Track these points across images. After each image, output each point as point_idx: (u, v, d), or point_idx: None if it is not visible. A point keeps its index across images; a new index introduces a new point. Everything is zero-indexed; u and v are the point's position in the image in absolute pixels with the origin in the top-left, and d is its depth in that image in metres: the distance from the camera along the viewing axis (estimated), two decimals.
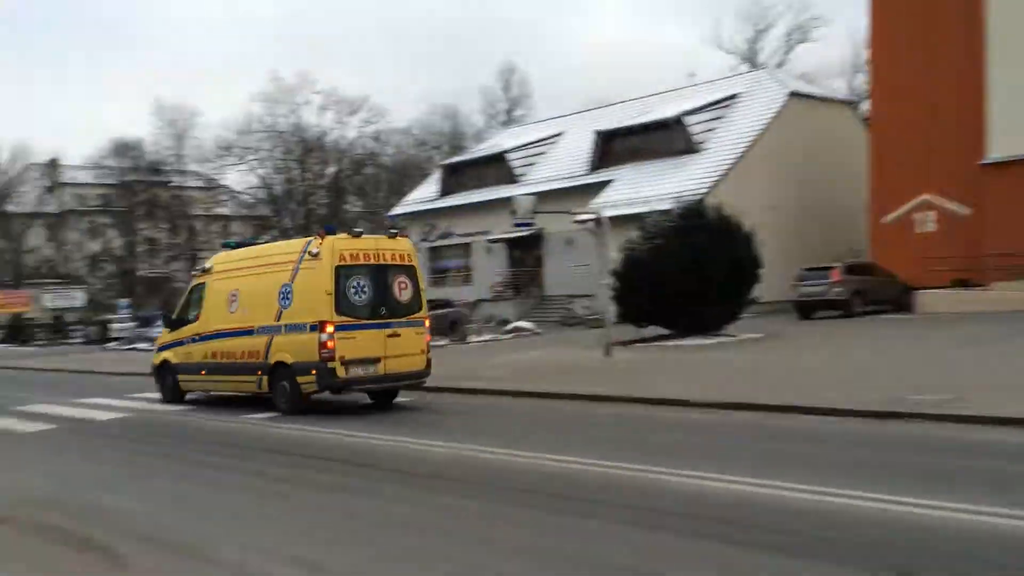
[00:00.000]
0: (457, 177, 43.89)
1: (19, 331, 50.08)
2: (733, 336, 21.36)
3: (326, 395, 13.50)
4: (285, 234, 58.69)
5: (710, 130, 34.96)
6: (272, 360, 13.32)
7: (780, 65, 54.64)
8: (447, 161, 48.43)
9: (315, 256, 12.91)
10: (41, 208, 68.73)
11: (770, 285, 23.69)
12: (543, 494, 7.32)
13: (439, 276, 42.32)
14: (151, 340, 34.46)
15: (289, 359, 13.03)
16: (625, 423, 11.11)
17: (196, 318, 15.26)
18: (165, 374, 15.98)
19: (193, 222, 62.39)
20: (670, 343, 21.05)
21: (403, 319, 13.38)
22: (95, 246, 68.23)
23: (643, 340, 21.64)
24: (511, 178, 40.30)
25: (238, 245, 16.31)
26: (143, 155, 63.56)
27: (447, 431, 10.88)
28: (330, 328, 12.51)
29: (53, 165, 71.27)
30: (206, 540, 6.51)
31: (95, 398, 16.91)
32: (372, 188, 66.65)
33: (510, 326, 29.25)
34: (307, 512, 7.36)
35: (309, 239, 13.58)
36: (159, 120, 60.61)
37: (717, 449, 8.99)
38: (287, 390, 13.17)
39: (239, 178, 60.45)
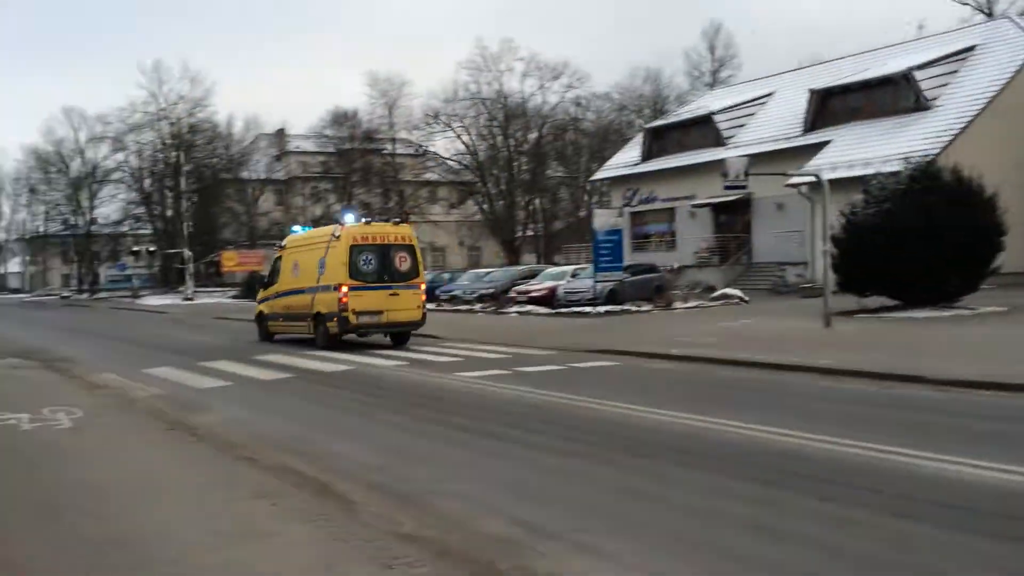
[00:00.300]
0: (660, 141, 42.86)
1: (253, 288, 54.72)
2: (972, 309, 19.40)
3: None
4: (489, 198, 60.19)
5: (943, 85, 31.74)
6: (314, 311, 18.86)
7: None
8: (651, 124, 47.40)
9: (337, 238, 18.24)
10: (271, 175, 74.50)
11: (1014, 254, 21.28)
12: (773, 470, 6.89)
13: (641, 241, 41.69)
14: None
15: (324, 310, 18.52)
16: (854, 398, 10.31)
17: (276, 281, 21.07)
18: (261, 321, 21.70)
19: (403, 187, 65.24)
20: (898, 314, 19.44)
21: (401, 283, 18.44)
22: (317, 210, 73.16)
23: (866, 311, 20.15)
24: (717, 141, 38.79)
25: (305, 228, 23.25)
26: (358, 124, 67.08)
27: (659, 398, 10.57)
28: (345, 288, 17.85)
29: (280, 135, 76.93)
30: (428, 492, 6.70)
31: (321, 350, 18.04)
32: (573, 153, 66.66)
33: (717, 293, 28.28)
34: (515, 468, 7.42)
35: (335, 226, 18.98)
36: (372, 91, 63.51)
37: (967, 432, 8.10)
38: (322, 332, 18.66)
39: (445, 145, 62.41)
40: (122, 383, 14.16)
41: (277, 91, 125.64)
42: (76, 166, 76.95)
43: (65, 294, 75.81)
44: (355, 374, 14.26)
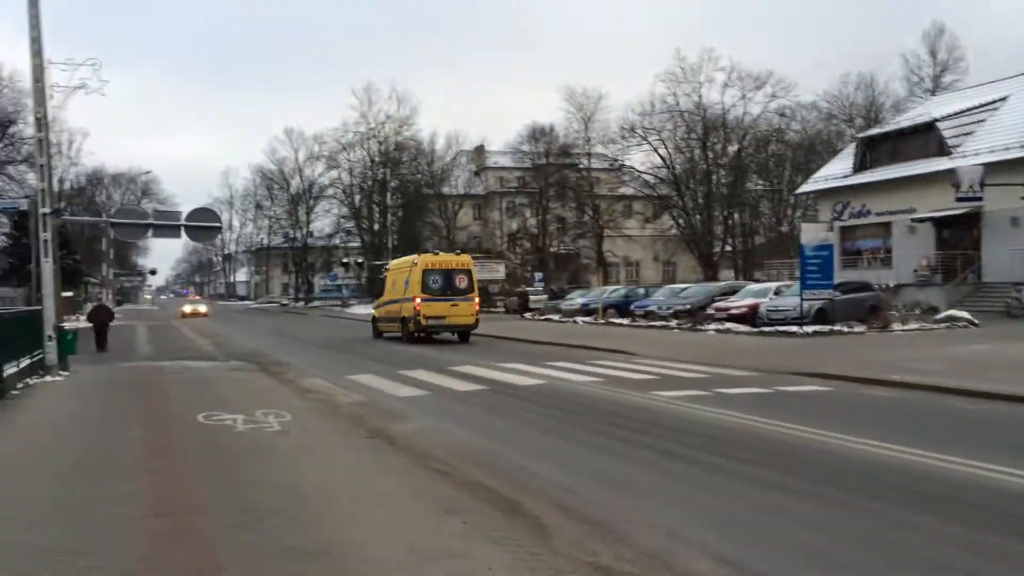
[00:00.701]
0: (875, 151, 39.87)
1: None
2: None
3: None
4: (686, 212, 58.69)
5: None
6: (401, 316, 26.05)
7: None
8: (865, 134, 44.28)
9: (415, 265, 25.66)
10: (469, 190, 76.90)
11: None
12: (1008, 516, 5.84)
13: (852, 257, 38.93)
14: (561, 312, 36.76)
15: (407, 315, 25.54)
16: None
17: (382, 294, 28.66)
18: (375, 322, 29.36)
19: (598, 202, 65.05)
20: None
21: (460, 296, 25.39)
22: (513, 224, 74.56)
23: None
24: (941, 150, 35.50)
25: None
26: (555, 139, 67.76)
27: (881, 429, 9.48)
28: (418, 300, 24.93)
29: (479, 152, 79.32)
30: (626, 520, 6.28)
31: (515, 363, 18.04)
32: (775, 166, 63.80)
33: (942, 315, 25.71)
34: (719, 500, 6.79)
35: (415, 256, 26.93)
36: (569, 105, 63.86)
37: None
38: (406, 331, 25.63)
39: (642, 158, 61.63)
40: (328, 388, 14.74)
41: (477, 108, 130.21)
42: (295, 183, 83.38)
43: (284, 302, 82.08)
44: (549, 389, 14.03)
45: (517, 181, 75.24)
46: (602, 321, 32.54)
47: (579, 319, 34.00)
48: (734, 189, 59.87)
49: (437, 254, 27.37)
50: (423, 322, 25.03)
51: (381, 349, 24.14)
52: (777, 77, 58.23)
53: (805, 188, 46.21)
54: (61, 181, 67.61)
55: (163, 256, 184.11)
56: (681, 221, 59.78)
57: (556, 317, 36.34)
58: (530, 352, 21.37)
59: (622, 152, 60.82)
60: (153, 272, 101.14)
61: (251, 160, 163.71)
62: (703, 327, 26.65)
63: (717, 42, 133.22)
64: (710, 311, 27.91)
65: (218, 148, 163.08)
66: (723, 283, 36.73)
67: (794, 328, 23.44)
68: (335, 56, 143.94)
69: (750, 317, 26.00)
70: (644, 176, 61.44)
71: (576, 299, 37.96)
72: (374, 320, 29.52)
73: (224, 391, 13.99)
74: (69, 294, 51.92)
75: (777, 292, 27.35)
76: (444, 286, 25.39)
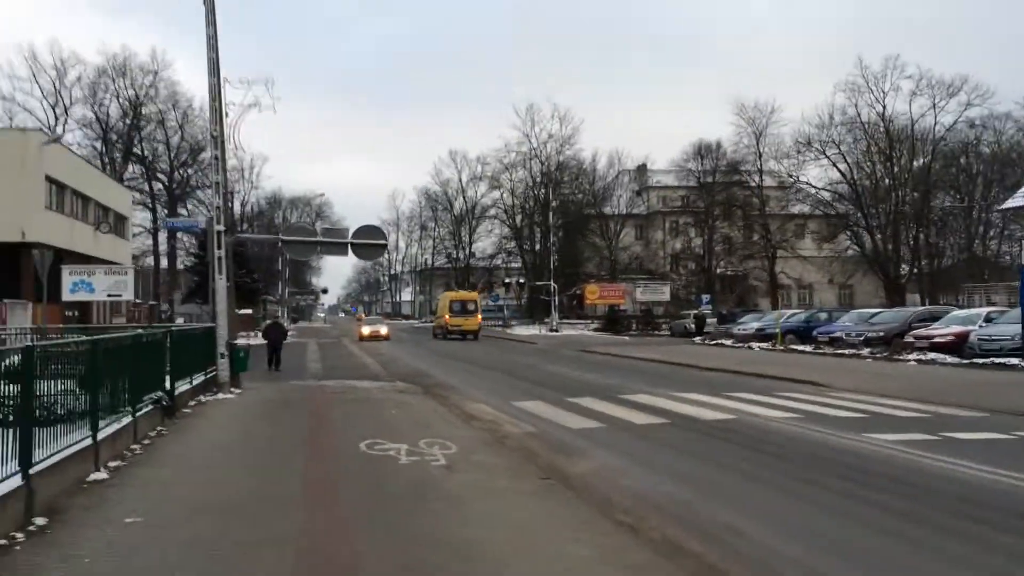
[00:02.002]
0: None
1: (614, 322, 55.18)
2: None
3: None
4: (869, 232, 54.60)
5: None
6: (440, 324, 50.67)
7: None
8: None
9: (445, 297, 53.71)
10: (631, 209, 75.32)
11: None
12: None
13: None
14: (734, 336, 34.60)
15: (442, 324, 50.00)
16: None
17: (438, 312, 53.98)
18: (435, 330, 52.14)
19: (768, 221, 61.77)
20: None
21: (469, 315, 48.98)
22: (677, 244, 72.31)
23: None
24: None
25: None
26: (722, 156, 65.18)
27: None
28: (447, 316, 49.13)
29: (641, 171, 77.60)
30: None
31: (694, 393, 16.52)
32: (966, 180, 58.38)
33: None
34: None
35: (446, 292, 59.41)
36: (739, 120, 61.05)
37: None
38: (440, 334, 49.25)
39: (818, 174, 58.05)
40: (494, 416, 13.84)
41: (640, 127, 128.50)
42: (458, 204, 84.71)
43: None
44: (738, 425, 12.45)
45: (680, 200, 73.00)
46: (781, 347, 30.18)
47: (755, 345, 31.76)
48: (922, 206, 55.18)
49: (457, 291, 53.17)
50: (449, 328, 47.96)
51: (547, 372, 23.17)
52: (973, 83, 53.36)
53: (1009, 204, 41.64)
54: (243, 203, 72.04)
55: (335, 276, 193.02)
56: (863, 241, 55.68)
57: (728, 342, 34.20)
58: (708, 381, 19.71)
59: (796, 168, 57.57)
60: (324, 291, 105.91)
61: (417, 183, 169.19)
62: (901, 357, 23.96)
63: (904, 48, 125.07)
64: (908, 339, 25.09)
65: (385, 172, 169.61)
66: (920, 308, 33.33)
67: (1015, 360, 20.50)
68: (498, 75, 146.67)
69: (958, 346, 23.07)
70: (822, 193, 57.74)
71: (750, 323, 35.62)
72: (434, 328, 52.02)
73: (388, 416, 13.37)
74: (248, 312, 54.66)
75: (988, 319, 24.22)
76: (461, 309, 48.97)
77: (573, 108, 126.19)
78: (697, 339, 39.41)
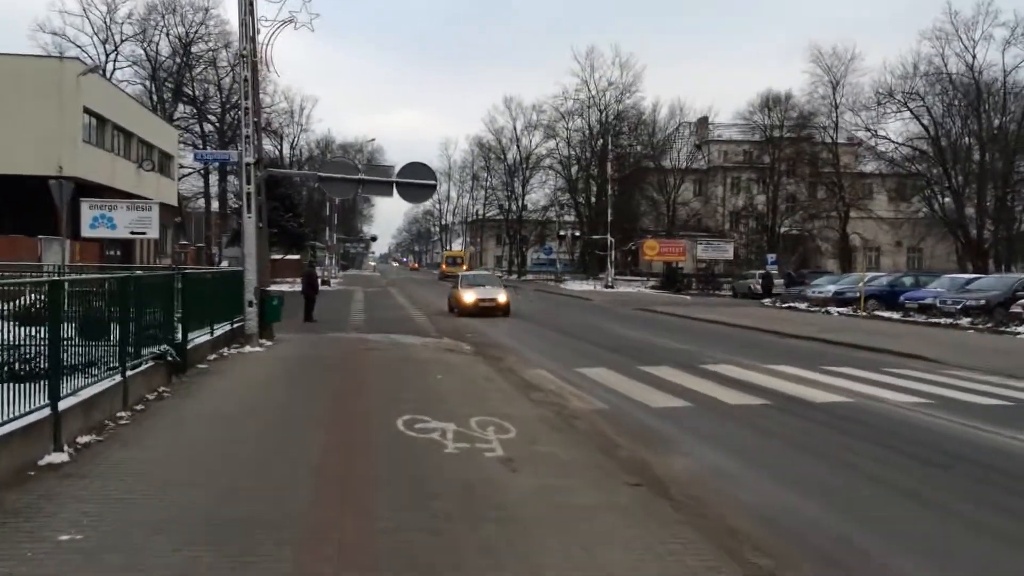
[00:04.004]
0: None
1: (673, 280, 52.54)
2: None
3: None
4: (952, 192, 50.89)
5: None
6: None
7: None
8: None
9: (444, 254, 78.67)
10: (691, 164, 71.98)
11: None
12: None
13: None
14: (809, 300, 31.93)
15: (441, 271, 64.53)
16: None
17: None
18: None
19: (838, 178, 58.01)
20: None
21: (458, 266, 60.59)
22: (738, 201, 68.99)
23: None
24: None
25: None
26: (791, 107, 61.37)
27: None
28: (444, 266, 69.77)
29: (703, 123, 73.93)
30: None
31: (786, 365, 14.23)
32: None
33: None
34: None
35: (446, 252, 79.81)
36: (815, 68, 56.83)
37: None
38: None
39: (898, 128, 54.15)
40: (557, 386, 11.80)
41: (704, 77, 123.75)
42: (512, 154, 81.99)
43: (497, 274, 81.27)
44: (858, 411, 10.16)
45: (743, 155, 69.43)
46: (864, 314, 27.51)
47: (833, 310, 29.08)
48: (1011, 166, 51.10)
49: (451, 249, 65.60)
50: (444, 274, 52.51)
51: (609, 333, 21.02)
52: None
53: None
54: (293, 145, 70.47)
55: (385, 225, 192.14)
56: (943, 201, 51.88)
57: (802, 306, 31.53)
58: (796, 350, 17.35)
59: (875, 121, 53.63)
60: (374, 239, 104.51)
61: (470, 132, 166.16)
62: (1009, 329, 21.26)
63: None
64: (1016, 309, 22.31)
65: (437, 120, 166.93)
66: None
67: None
68: (558, 22, 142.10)
69: None
70: (901, 148, 53.84)
71: (825, 286, 32.80)
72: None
73: (433, 381, 11.39)
74: (295, 257, 53.28)
75: None
76: (452, 262, 61.19)
77: (636, 55, 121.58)
78: (766, 301, 36.72)
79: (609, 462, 7.18)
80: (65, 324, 7.55)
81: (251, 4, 14.85)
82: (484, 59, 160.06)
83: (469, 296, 26.55)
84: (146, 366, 9.35)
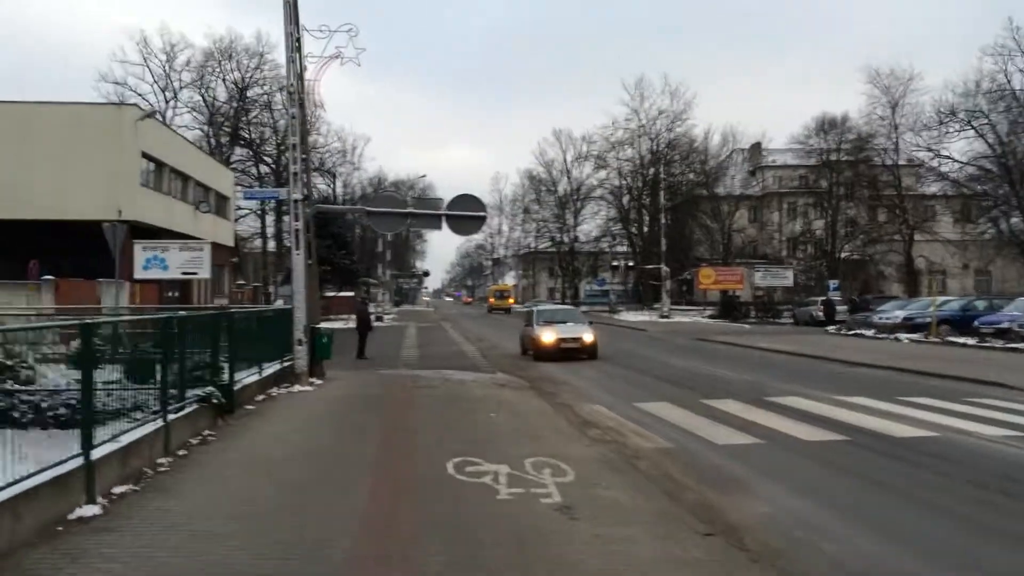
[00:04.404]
0: None
1: (730, 308, 51.30)
2: None
3: None
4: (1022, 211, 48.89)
5: None
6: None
7: None
8: None
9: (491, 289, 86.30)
10: (745, 190, 70.76)
11: None
12: None
13: None
14: (876, 326, 30.66)
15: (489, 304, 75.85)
16: None
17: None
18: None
19: (900, 201, 56.32)
20: None
21: (504, 299, 78.29)
22: (796, 227, 67.50)
23: None
24: None
25: None
26: (848, 130, 59.99)
27: None
28: (492, 299, 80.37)
29: (756, 149, 72.80)
30: None
31: (859, 396, 13.39)
32: None
33: None
34: None
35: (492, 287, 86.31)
36: (873, 89, 55.44)
37: None
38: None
39: (961, 147, 52.37)
40: (616, 423, 11.22)
41: (756, 103, 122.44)
42: (563, 185, 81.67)
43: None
44: (943, 445, 9.37)
45: (799, 180, 68.07)
46: (936, 339, 26.25)
47: (903, 336, 27.83)
48: None
49: (497, 284, 74.77)
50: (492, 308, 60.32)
51: (668, 365, 20.32)
52: None
53: None
54: (345, 184, 71.27)
55: (438, 261, 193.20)
56: (1014, 221, 49.90)
57: (869, 332, 30.28)
58: (868, 380, 16.43)
59: (937, 141, 51.99)
60: (427, 274, 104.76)
61: (520, 165, 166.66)
62: None
63: None
64: None
65: (488, 156, 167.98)
66: None
67: None
68: (607, 53, 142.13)
69: None
70: (966, 168, 52.08)
71: (893, 311, 31.50)
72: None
73: (486, 418, 10.93)
74: (348, 294, 53.54)
75: None
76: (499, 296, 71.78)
77: (686, 82, 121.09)
78: (830, 328, 35.45)
79: (676, 508, 6.60)
80: (108, 367, 7.33)
81: (298, 41, 14.80)
82: (532, 91, 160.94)
83: (548, 336, 21.86)
84: (190, 409, 9.07)
